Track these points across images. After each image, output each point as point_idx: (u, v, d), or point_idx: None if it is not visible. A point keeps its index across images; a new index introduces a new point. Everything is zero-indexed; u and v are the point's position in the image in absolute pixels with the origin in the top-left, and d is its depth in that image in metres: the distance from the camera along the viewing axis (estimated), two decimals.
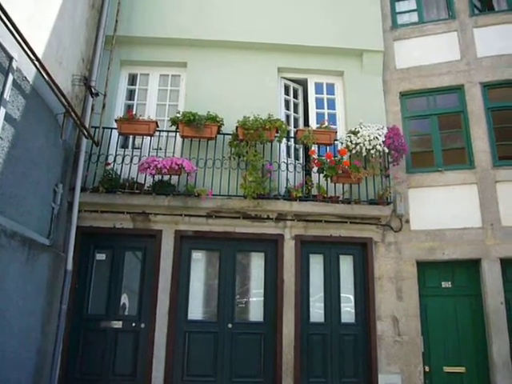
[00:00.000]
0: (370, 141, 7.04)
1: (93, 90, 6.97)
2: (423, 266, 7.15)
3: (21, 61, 4.87)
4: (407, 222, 7.29)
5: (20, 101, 5.06)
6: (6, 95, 4.67)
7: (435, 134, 7.78)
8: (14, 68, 4.80)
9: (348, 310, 7.07)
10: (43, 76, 5.31)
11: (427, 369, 6.77)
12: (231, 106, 7.36)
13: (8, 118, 4.77)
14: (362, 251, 7.24)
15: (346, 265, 7.26)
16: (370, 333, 6.80)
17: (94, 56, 7.22)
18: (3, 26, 4.32)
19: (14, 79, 4.82)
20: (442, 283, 7.15)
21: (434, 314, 7.01)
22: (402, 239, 7.21)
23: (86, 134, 6.71)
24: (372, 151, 7.07)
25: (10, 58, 4.71)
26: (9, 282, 4.92)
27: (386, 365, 6.69)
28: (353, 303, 7.09)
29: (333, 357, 6.81)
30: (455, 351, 6.84)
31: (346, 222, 7.12)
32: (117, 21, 7.64)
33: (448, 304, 7.02)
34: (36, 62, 5.02)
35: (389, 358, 6.72)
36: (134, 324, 6.71)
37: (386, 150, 7.09)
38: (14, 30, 4.41)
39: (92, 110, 7.03)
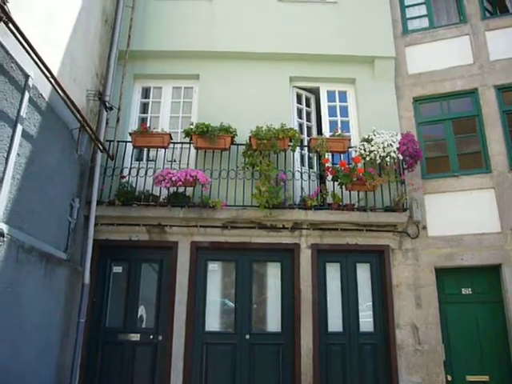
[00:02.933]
0: (384, 148, 6.99)
1: (107, 104, 7.06)
2: (442, 273, 7.04)
3: (37, 78, 4.95)
4: (424, 228, 7.21)
5: (36, 117, 5.13)
6: (23, 112, 4.75)
7: (450, 138, 7.71)
8: (30, 86, 4.88)
9: (366, 319, 6.97)
10: (58, 92, 5.39)
11: (449, 378, 6.64)
12: (244, 116, 7.39)
13: (25, 134, 4.84)
14: (379, 259, 7.17)
15: (364, 273, 7.18)
16: (389, 342, 6.70)
17: (108, 71, 7.32)
18: (19, 45, 4.40)
19: (30, 96, 4.90)
20: (462, 290, 7.04)
21: (454, 322, 6.88)
22: (420, 246, 7.13)
23: (101, 148, 6.78)
24: (386, 158, 7.02)
25: (27, 76, 4.79)
26: (27, 296, 4.95)
27: (406, 374, 6.58)
28: (371, 312, 6.99)
29: (352, 367, 6.72)
30: (478, 359, 6.70)
31: (362, 230, 7.05)
32: (129, 36, 7.75)
33: (469, 311, 6.90)
34: (51, 79, 5.10)
35: (409, 367, 6.61)
36: (151, 336, 6.71)
37: (401, 157, 7.03)
38: (30, 49, 4.50)
39: (106, 124, 7.12)
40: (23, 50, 4.49)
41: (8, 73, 4.44)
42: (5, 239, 4.38)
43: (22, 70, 4.68)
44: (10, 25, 4.15)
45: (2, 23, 4.10)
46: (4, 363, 4.46)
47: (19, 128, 4.67)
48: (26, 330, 4.91)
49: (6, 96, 4.42)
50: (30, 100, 4.92)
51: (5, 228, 4.40)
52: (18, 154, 4.68)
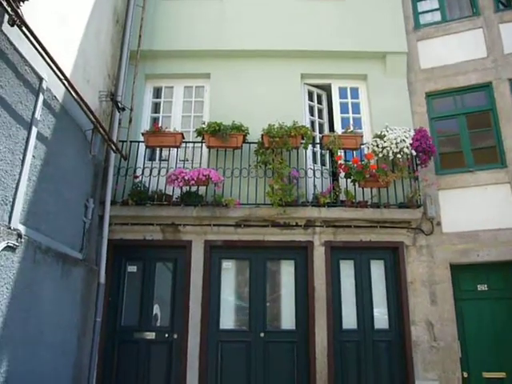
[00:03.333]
0: (397, 144, 6.94)
1: (119, 104, 7.11)
2: (457, 269, 6.98)
3: (50, 80, 5.00)
4: (438, 224, 7.15)
5: (50, 119, 5.19)
6: (38, 115, 4.81)
7: (464, 133, 7.63)
8: (44, 88, 4.94)
9: (381, 316, 6.95)
10: (72, 94, 5.44)
11: (465, 375, 6.59)
12: (255, 114, 7.39)
13: (40, 136, 4.90)
14: (393, 255, 7.13)
15: (378, 270, 7.15)
16: (404, 339, 6.66)
17: (120, 71, 7.36)
18: (33, 48, 4.44)
19: (44, 99, 4.96)
20: (478, 286, 6.97)
21: (470, 318, 6.82)
22: (434, 242, 7.07)
23: (114, 148, 6.83)
24: (399, 154, 6.97)
25: (40, 79, 4.85)
26: (45, 296, 5.02)
27: (422, 371, 6.54)
28: (386, 309, 6.96)
29: (367, 364, 6.70)
30: (494, 356, 6.63)
31: (376, 227, 7.02)
32: (140, 36, 7.79)
33: (484, 307, 6.83)
34: (65, 82, 5.14)
35: (425, 364, 6.57)
36: (166, 335, 6.76)
37: (414, 153, 6.98)
38: (44, 52, 4.54)
39: (119, 124, 7.17)
40: (37, 53, 4.53)
41: (22, 76, 4.49)
42: (22, 240, 4.44)
43: (35, 72, 4.73)
44: (24, 28, 4.19)
45: (15, 27, 4.14)
46: (23, 362, 4.53)
47: (34, 130, 4.73)
48: (44, 329, 4.98)
49: (20, 99, 4.47)
50: (44, 102, 4.98)
51: (22, 229, 4.46)
52: (33, 156, 4.74)
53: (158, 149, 7.51)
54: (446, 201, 7.27)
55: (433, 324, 6.71)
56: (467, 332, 6.77)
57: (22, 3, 4.12)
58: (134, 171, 7.12)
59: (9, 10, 3.99)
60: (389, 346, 6.80)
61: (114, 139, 6.95)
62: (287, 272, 7.16)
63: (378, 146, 7.04)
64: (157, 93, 8.18)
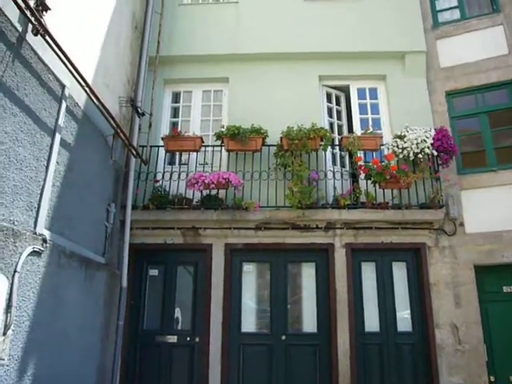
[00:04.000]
0: (417, 144, 6.88)
1: (139, 110, 7.17)
2: (481, 271, 6.85)
3: (72, 88, 5.08)
4: (461, 225, 7.04)
5: (73, 126, 5.27)
6: (61, 121, 4.89)
7: (486, 132, 7.50)
8: (67, 95, 5.02)
9: (404, 319, 6.86)
10: (93, 101, 5.52)
11: (492, 378, 6.44)
12: (274, 117, 7.39)
13: (63, 143, 4.98)
14: (415, 257, 7.04)
15: (400, 272, 7.07)
16: (428, 342, 6.56)
17: (139, 77, 7.42)
18: (56, 56, 4.52)
19: (66, 106, 5.03)
20: (504, 288, 6.82)
21: (496, 321, 6.68)
22: (457, 243, 6.95)
23: (134, 153, 6.90)
24: (420, 155, 6.90)
25: (63, 86, 4.93)
26: (69, 300, 5.09)
27: (447, 375, 6.43)
28: (409, 311, 6.87)
29: (390, 367, 6.61)
30: None
31: (397, 228, 6.94)
32: (159, 41, 7.88)
33: (510, 309, 6.68)
34: (86, 88, 5.22)
35: (450, 368, 6.46)
36: (188, 338, 6.78)
37: (435, 153, 6.90)
38: (66, 60, 4.61)
39: (139, 129, 7.23)
40: (59, 61, 4.60)
41: (46, 84, 4.57)
42: (47, 245, 4.51)
43: (58, 80, 4.81)
44: (47, 37, 4.27)
45: (39, 36, 4.23)
46: (49, 365, 4.60)
47: (57, 137, 4.81)
48: (69, 333, 5.05)
49: (44, 106, 4.55)
50: (67, 109, 5.06)
51: (47, 234, 4.53)
52: (57, 163, 4.82)
53: (177, 153, 7.55)
54: (469, 201, 7.15)
55: (457, 327, 6.60)
56: (493, 335, 6.63)
57: (44, 13, 4.21)
58: (155, 175, 7.19)
59: (32, 19, 4.07)
60: (412, 349, 6.71)
61: (135, 144, 7.02)
62: (308, 274, 7.13)
63: (398, 146, 6.99)
64: (175, 97, 8.25)
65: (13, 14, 3.90)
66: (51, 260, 4.61)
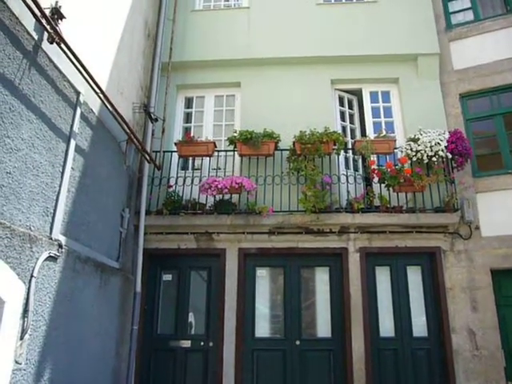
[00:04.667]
0: (431, 147, 6.82)
1: (152, 115, 7.23)
2: (498, 275, 6.74)
3: (87, 94, 5.14)
4: (477, 228, 6.94)
5: (87, 132, 5.32)
6: (76, 127, 4.94)
7: (501, 134, 7.41)
8: (81, 102, 5.07)
9: (419, 324, 6.77)
10: (107, 107, 5.57)
11: None
12: (286, 121, 7.39)
13: (77, 148, 5.03)
14: (430, 261, 6.96)
15: (415, 276, 6.99)
16: (445, 347, 6.47)
17: (152, 83, 7.50)
18: (71, 63, 4.58)
19: (81, 112, 5.09)
20: None
21: None
22: (473, 247, 6.86)
23: (147, 158, 6.95)
24: (434, 158, 6.84)
25: (78, 93, 4.99)
26: (85, 305, 5.13)
27: (464, 381, 6.33)
28: (424, 316, 6.79)
29: (406, 373, 6.53)
30: None
31: (412, 232, 6.88)
32: (171, 48, 7.95)
33: None
34: (100, 95, 5.28)
35: (467, 374, 6.36)
36: (202, 343, 6.78)
37: (450, 156, 6.83)
38: (81, 67, 4.67)
39: (152, 134, 7.28)
40: (74, 68, 4.66)
41: (61, 91, 4.63)
42: (63, 250, 4.55)
43: (73, 87, 4.87)
44: (62, 45, 4.33)
45: (54, 44, 4.28)
46: (66, 369, 4.63)
47: (72, 143, 4.86)
48: (84, 337, 5.08)
49: (59, 113, 4.61)
50: (82, 115, 5.11)
51: (63, 239, 4.58)
52: (72, 168, 4.87)
53: (190, 158, 7.57)
54: (485, 204, 7.06)
55: (474, 332, 6.50)
56: (511, 340, 6.53)
57: (60, 21, 4.27)
58: (168, 181, 7.23)
59: (48, 28, 4.13)
60: (428, 355, 6.62)
61: (148, 149, 7.06)
62: (322, 279, 7.10)
63: (411, 149, 6.94)
64: (188, 103, 8.30)
65: (29, 22, 3.97)
66: (67, 265, 4.65)
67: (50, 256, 4.31)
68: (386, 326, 6.76)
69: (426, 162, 6.89)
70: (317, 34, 8.05)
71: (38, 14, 3.95)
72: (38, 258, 4.09)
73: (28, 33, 3.98)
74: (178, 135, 7.86)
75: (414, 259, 7.02)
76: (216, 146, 7.31)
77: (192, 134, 7.37)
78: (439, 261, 6.81)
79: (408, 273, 7.00)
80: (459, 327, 6.53)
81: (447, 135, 6.95)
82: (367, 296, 6.73)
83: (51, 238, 4.37)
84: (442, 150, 6.83)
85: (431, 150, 6.83)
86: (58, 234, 4.50)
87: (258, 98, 7.80)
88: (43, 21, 4.04)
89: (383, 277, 6.99)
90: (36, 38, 4.11)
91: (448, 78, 7.85)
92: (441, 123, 7.39)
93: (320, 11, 8.28)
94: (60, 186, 4.60)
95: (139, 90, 7.30)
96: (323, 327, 6.89)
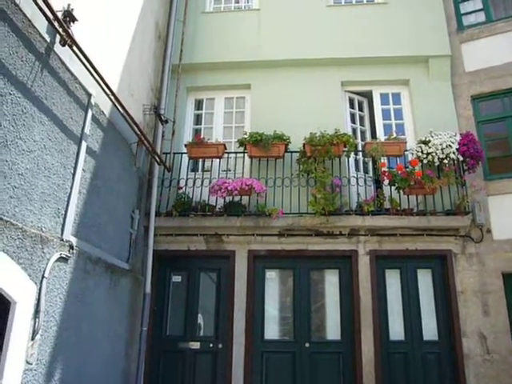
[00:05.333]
0: (442, 149, 6.77)
1: (162, 117, 7.25)
2: (510, 278, 6.67)
3: (98, 96, 5.17)
4: (489, 231, 6.88)
5: (98, 134, 5.35)
6: (87, 129, 4.97)
7: None
8: (93, 104, 5.11)
9: (430, 327, 6.71)
10: (118, 109, 5.60)
11: None
12: (296, 123, 7.37)
13: (89, 150, 5.06)
14: (441, 264, 6.91)
15: (425, 279, 6.94)
16: (455, 351, 6.40)
17: (162, 85, 7.53)
18: (82, 66, 4.61)
19: (92, 114, 5.12)
20: None
21: None
22: (485, 250, 6.80)
23: (158, 160, 6.97)
24: (445, 160, 6.79)
25: (89, 95, 5.02)
26: (96, 306, 5.16)
27: None
28: (435, 319, 6.73)
29: (416, 376, 6.48)
30: None
31: (422, 235, 6.83)
32: (181, 50, 7.96)
33: None
34: (111, 97, 5.31)
35: (478, 379, 6.29)
36: (211, 345, 6.78)
37: (461, 158, 6.78)
38: (93, 69, 4.70)
39: (162, 136, 7.31)
40: (85, 70, 4.69)
41: (73, 93, 4.66)
42: (74, 251, 4.58)
43: (84, 89, 4.90)
44: (74, 47, 4.36)
45: (66, 46, 4.32)
46: (75, 370, 4.66)
47: (84, 144, 4.89)
48: (96, 338, 5.12)
49: (71, 115, 4.64)
50: (93, 117, 5.15)
51: (74, 241, 4.60)
52: (83, 170, 4.90)
53: (200, 160, 7.62)
54: (496, 207, 6.99)
55: (485, 336, 6.43)
56: None
57: (72, 24, 4.30)
58: (178, 182, 7.24)
59: (60, 30, 4.16)
60: (438, 358, 6.57)
61: (158, 151, 7.09)
62: (331, 281, 7.07)
63: (422, 152, 6.89)
64: (198, 105, 8.32)
65: (41, 25, 4.00)
66: (77, 266, 4.68)
67: (61, 257, 4.34)
68: (396, 330, 6.72)
69: (437, 164, 6.84)
70: (327, 35, 8.03)
71: (51, 16, 3.97)
72: (49, 259, 4.12)
73: (40, 35, 4.01)
74: (188, 137, 7.88)
75: (425, 262, 6.97)
76: (226, 148, 7.32)
77: (202, 136, 7.38)
78: (450, 264, 6.76)
79: (418, 276, 6.95)
80: (470, 331, 6.47)
81: (458, 137, 6.90)
82: (377, 299, 6.69)
83: (62, 239, 4.40)
84: (454, 153, 6.78)
85: (442, 153, 6.78)
86: (69, 235, 4.53)
87: (268, 99, 7.79)
88: (55, 23, 4.07)
89: (393, 280, 6.95)
90: (48, 40, 4.14)
91: (459, 80, 7.79)
92: (452, 125, 7.33)
93: (330, 13, 8.27)
94: (71, 188, 4.63)
95: (149, 92, 7.34)
96: (333, 330, 6.86)
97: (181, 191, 7.15)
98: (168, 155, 7.35)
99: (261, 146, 6.96)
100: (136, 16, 6.72)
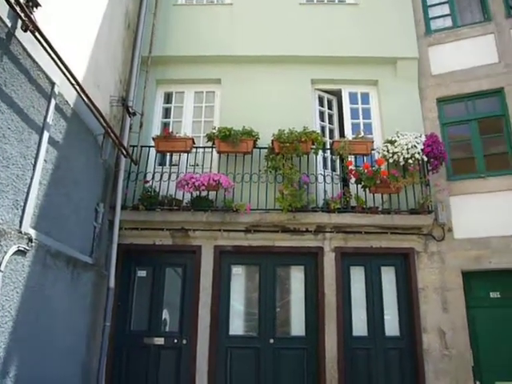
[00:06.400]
0: (408, 149, 6.91)
1: (130, 109, 7.13)
2: (469, 276, 6.89)
3: (62, 86, 5.03)
4: (450, 230, 7.07)
5: (62, 124, 5.21)
6: (49, 119, 4.83)
7: (476, 139, 7.56)
8: (56, 93, 4.97)
9: (392, 323, 6.86)
10: (83, 99, 5.46)
11: None
12: (266, 119, 7.38)
13: (51, 141, 4.92)
14: (403, 262, 7.06)
15: (388, 276, 7.08)
16: (416, 346, 6.57)
17: (131, 77, 7.40)
18: (45, 53, 4.48)
19: (56, 103, 4.98)
20: (490, 293, 6.87)
21: (482, 326, 6.71)
22: (446, 249, 6.99)
23: (124, 153, 6.85)
24: (410, 160, 6.93)
25: (52, 84, 4.88)
26: (55, 300, 5.03)
27: (434, 380, 6.45)
28: (397, 316, 6.88)
29: (378, 371, 6.61)
30: (508, 365, 6.49)
31: (387, 233, 6.95)
32: (152, 42, 7.85)
33: (497, 315, 6.72)
34: (76, 87, 5.17)
35: (437, 373, 6.48)
36: (175, 340, 6.73)
37: (425, 159, 6.94)
38: (56, 57, 4.57)
39: (130, 129, 7.20)
40: (49, 58, 4.55)
41: (35, 81, 4.52)
42: (33, 244, 4.45)
43: (48, 77, 4.76)
44: (37, 34, 4.23)
45: (28, 32, 4.18)
46: (32, 366, 4.54)
47: (46, 135, 4.75)
48: (54, 332, 4.99)
49: (33, 103, 4.50)
50: (56, 107, 5.01)
51: (33, 233, 4.47)
52: (44, 161, 4.76)
53: (168, 154, 7.53)
54: (458, 207, 7.19)
55: (444, 332, 6.62)
56: (480, 340, 6.66)
57: (35, 9, 4.17)
58: (145, 176, 7.14)
59: (22, 15, 4.02)
60: (400, 354, 6.72)
61: (125, 144, 6.97)
62: (297, 278, 7.13)
63: (388, 151, 7.02)
64: (167, 98, 8.22)
65: (2, 9, 3.85)
66: (36, 259, 4.56)
67: (19, 250, 4.21)
68: (360, 326, 6.83)
69: (402, 164, 6.98)
70: (299, 33, 8.06)
71: (12, 0, 3.83)
72: (6, 252, 3.99)
73: (1, 20, 3.86)
74: (156, 130, 7.77)
75: (389, 260, 7.10)
76: (194, 142, 7.26)
77: (170, 130, 7.30)
78: (412, 262, 6.92)
79: (382, 273, 7.09)
80: (430, 327, 6.65)
81: (423, 138, 7.06)
82: (341, 295, 6.78)
83: (20, 232, 4.26)
84: (418, 153, 6.93)
85: (407, 153, 6.92)
86: (27, 228, 4.39)
87: (238, 95, 7.76)
88: (17, 8, 3.93)
89: (358, 277, 7.06)
90: (9, 25, 3.99)
91: (426, 83, 7.96)
92: (418, 126, 7.49)
93: (302, 11, 8.29)
94: (31, 179, 4.49)
95: (118, 83, 7.19)
96: (297, 326, 6.91)
97: (147, 185, 7.05)
98: (135, 148, 7.24)
99: (229, 141, 6.93)
100: (104, 4, 6.55)
